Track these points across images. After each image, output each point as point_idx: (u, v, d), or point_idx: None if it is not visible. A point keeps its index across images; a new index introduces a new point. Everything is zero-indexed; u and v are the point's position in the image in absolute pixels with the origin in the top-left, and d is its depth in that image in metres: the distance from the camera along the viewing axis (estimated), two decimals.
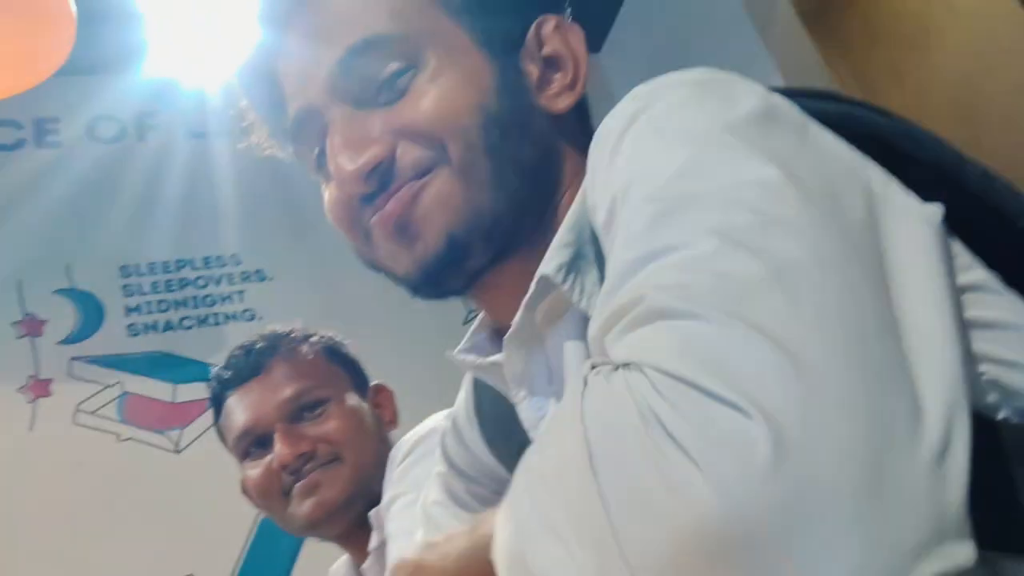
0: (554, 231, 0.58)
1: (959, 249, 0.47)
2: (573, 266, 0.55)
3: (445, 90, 0.61)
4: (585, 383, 0.39)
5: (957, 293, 0.43)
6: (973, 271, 0.47)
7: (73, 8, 1.57)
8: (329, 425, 1.19)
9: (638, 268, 0.41)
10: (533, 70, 0.65)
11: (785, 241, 0.38)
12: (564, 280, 0.55)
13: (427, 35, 0.62)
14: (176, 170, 2.35)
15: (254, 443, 1.20)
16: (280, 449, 1.16)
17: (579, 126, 0.68)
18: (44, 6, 1.57)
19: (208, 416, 2.01)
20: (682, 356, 0.35)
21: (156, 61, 2.29)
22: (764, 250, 0.37)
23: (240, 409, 1.21)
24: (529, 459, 0.41)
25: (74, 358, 2.13)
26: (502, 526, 0.41)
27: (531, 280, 0.57)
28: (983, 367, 0.44)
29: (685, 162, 0.43)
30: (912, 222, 0.43)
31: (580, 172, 0.62)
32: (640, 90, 0.51)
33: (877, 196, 0.44)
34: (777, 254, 0.37)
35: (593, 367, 0.40)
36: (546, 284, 0.56)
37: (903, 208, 0.44)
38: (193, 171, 2.35)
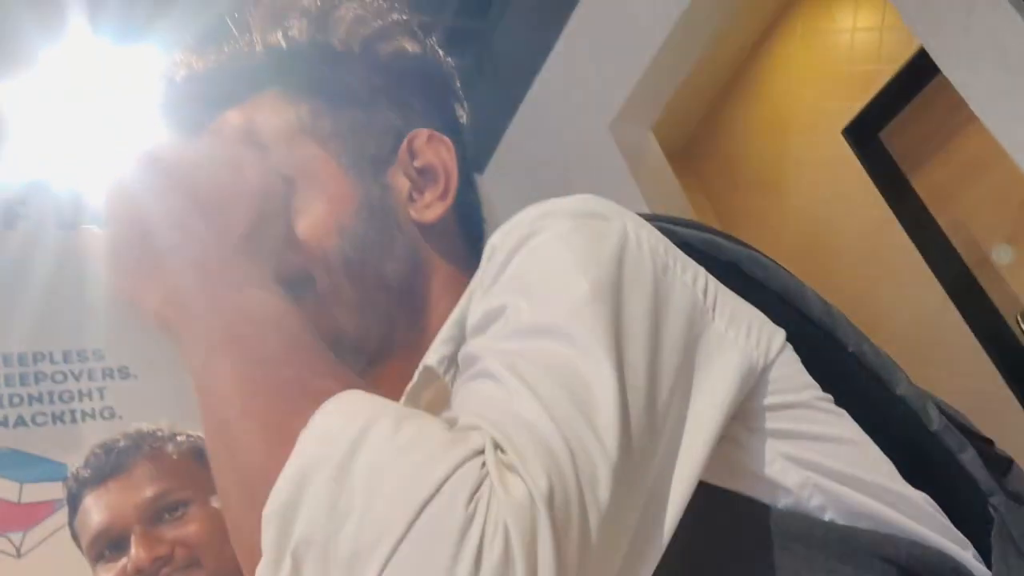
0: (429, 336, 0.61)
1: (797, 369, 0.54)
2: (455, 359, 0.57)
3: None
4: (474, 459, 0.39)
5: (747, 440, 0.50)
6: (808, 390, 0.53)
7: None
8: (189, 528, 1.16)
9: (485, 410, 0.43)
10: (404, 183, 0.67)
11: (596, 465, 0.40)
12: (446, 372, 0.57)
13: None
14: (42, 261, 2.27)
15: (109, 545, 1.14)
16: (136, 552, 1.11)
17: (455, 233, 0.70)
18: None
19: (56, 519, 1.91)
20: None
21: (35, 149, 2.25)
22: (579, 456, 0.40)
23: (96, 509, 1.16)
24: (378, 429, 0.40)
25: None
26: (314, 442, 0.40)
27: (410, 377, 0.59)
28: (810, 474, 0.50)
29: (546, 320, 0.46)
30: (722, 366, 0.49)
31: (454, 280, 0.66)
32: (532, 214, 0.54)
33: (704, 345, 0.50)
34: (583, 469, 0.40)
35: (498, 449, 0.40)
36: (429, 374, 0.58)
37: (729, 347, 0.50)
38: (61, 263, 2.28)
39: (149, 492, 1.16)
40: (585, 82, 2.57)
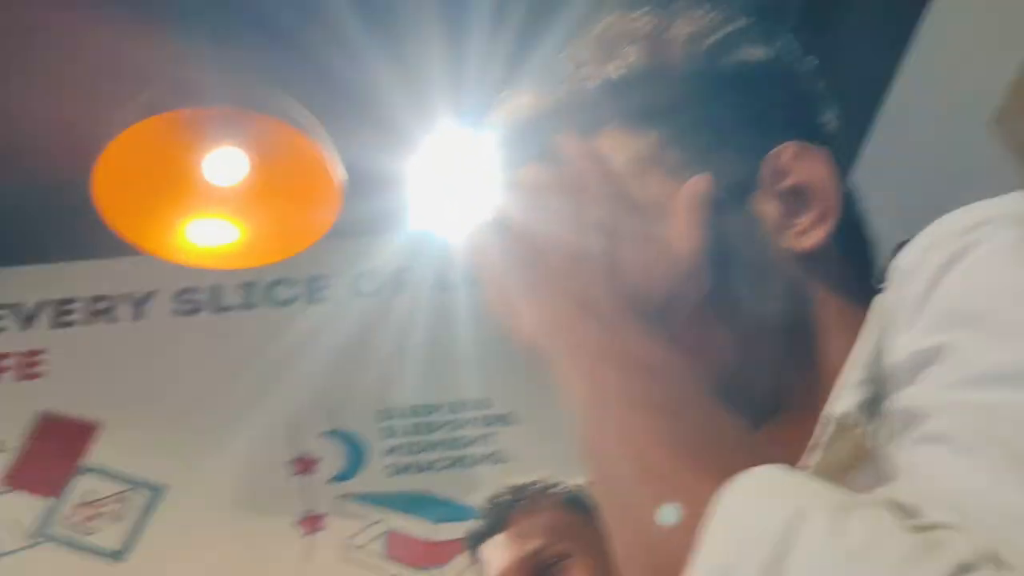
0: (824, 381, 0.54)
1: None
2: (870, 407, 0.48)
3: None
4: None
5: None
6: None
7: (339, 182, 1.82)
8: None
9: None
10: (773, 209, 0.60)
11: None
12: (860, 423, 0.48)
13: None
14: (426, 320, 2.48)
15: None
16: None
17: (841, 259, 0.61)
18: (314, 184, 1.85)
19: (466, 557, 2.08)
20: None
21: (416, 220, 2.50)
22: None
23: (488, 565, 1.24)
24: (813, 525, 0.33)
25: (342, 495, 2.27)
26: (728, 534, 0.35)
27: (808, 432, 0.51)
28: None
29: (1012, 363, 0.37)
30: None
31: (846, 313, 0.57)
32: (959, 224, 0.44)
33: None
34: None
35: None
36: (840, 427, 0.50)
37: None
38: (442, 321, 2.47)
39: (528, 547, 1.20)
40: (955, 78, 2.32)
